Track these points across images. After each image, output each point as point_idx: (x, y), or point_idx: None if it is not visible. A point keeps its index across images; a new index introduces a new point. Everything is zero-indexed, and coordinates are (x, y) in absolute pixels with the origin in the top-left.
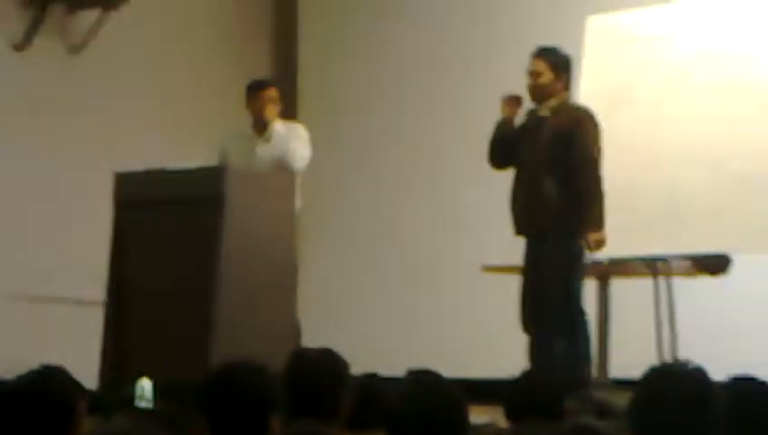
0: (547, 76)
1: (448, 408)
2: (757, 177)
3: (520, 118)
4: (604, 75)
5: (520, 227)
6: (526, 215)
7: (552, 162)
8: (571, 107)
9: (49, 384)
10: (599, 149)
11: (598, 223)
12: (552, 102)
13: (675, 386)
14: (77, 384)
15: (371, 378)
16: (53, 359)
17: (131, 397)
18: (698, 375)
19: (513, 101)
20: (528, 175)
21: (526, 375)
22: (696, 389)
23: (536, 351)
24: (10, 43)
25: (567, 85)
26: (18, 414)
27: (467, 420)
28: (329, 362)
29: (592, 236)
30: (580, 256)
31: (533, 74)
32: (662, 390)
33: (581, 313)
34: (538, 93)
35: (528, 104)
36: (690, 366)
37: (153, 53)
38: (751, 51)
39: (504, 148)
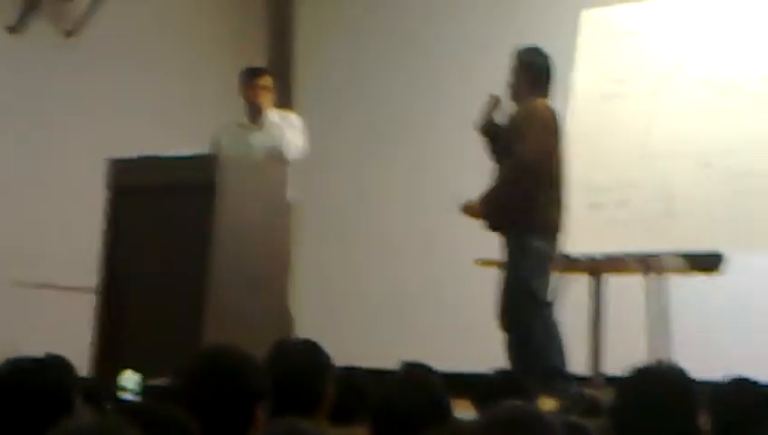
0: (514, 75)
1: (433, 402)
2: (751, 173)
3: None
4: (597, 69)
5: (488, 225)
6: (491, 213)
7: (505, 160)
8: (527, 103)
9: (48, 374)
10: (540, 144)
11: (482, 202)
12: (520, 102)
13: (655, 387)
14: (75, 375)
15: (353, 371)
16: (46, 345)
17: (118, 388)
18: (679, 376)
19: (490, 101)
20: (496, 173)
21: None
22: (676, 390)
23: (507, 347)
24: (4, 25)
25: (536, 83)
26: (14, 401)
27: (451, 414)
28: (309, 354)
29: (467, 205)
30: (535, 253)
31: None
32: (643, 390)
33: (541, 307)
34: (509, 92)
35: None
36: (672, 367)
37: (148, 38)
38: (744, 46)
39: (490, 147)
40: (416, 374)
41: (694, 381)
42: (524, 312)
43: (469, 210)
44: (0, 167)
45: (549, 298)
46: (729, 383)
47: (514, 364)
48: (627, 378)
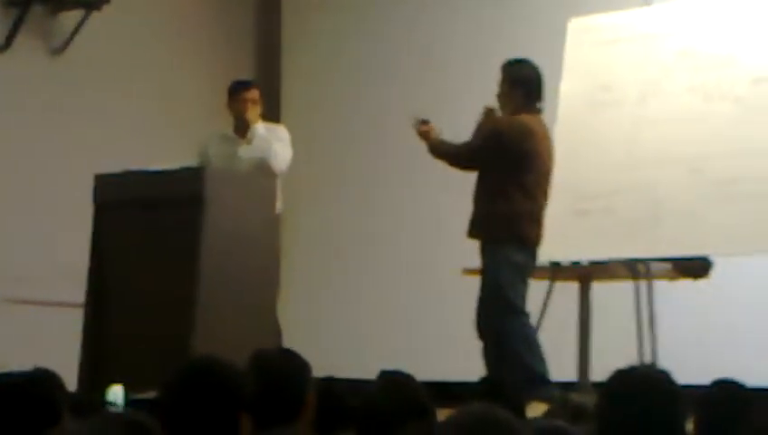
0: (502, 88)
1: (414, 406)
2: (738, 178)
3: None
4: (585, 77)
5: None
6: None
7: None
8: (505, 118)
9: (38, 387)
10: (485, 140)
11: (436, 146)
12: (502, 113)
13: (637, 389)
14: (63, 389)
15: (334, 381)
16: (34, 361)
17: (104, 402)
18: (661, 377)
19: (486, 112)
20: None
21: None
22: (658, 391)
23: (484, 355)
24: None
25: (526, 98)
26: (3, 414)
27: (434, 422)
28: (286, 362)
29: (424, 128)
30: (512, 264)
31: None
32: (625, 392)
33: (516, 314)
34: (499, 104)
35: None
36: (654, 369)
37: (134, 54)
38: (730, 52)
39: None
40: (397, 380)
41: (678, 384)
42: (501, 321)
43: (423, 133)
44: None
45: (525, 307)
46: (714, 387)
47: (492, 372)
48: (609, 381)
